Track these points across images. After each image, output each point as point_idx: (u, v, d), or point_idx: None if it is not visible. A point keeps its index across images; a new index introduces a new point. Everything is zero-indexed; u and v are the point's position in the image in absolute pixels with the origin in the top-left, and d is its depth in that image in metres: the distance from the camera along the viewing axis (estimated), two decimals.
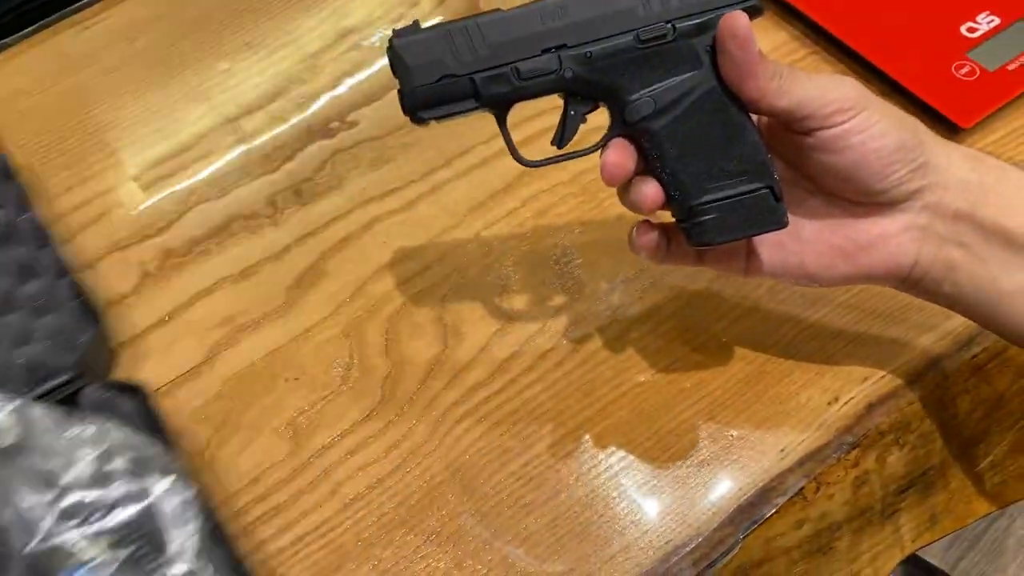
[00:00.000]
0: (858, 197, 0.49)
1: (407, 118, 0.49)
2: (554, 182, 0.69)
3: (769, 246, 0.52)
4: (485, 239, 0.66)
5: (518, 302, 0.63)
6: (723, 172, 0.48)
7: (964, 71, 0.71)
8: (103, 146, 0.72)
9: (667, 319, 0.61)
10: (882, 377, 0.59)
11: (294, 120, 0.74)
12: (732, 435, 0.56)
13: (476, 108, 0.49)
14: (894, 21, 0.74)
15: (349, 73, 0.76)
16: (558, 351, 0.61)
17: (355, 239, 0.67)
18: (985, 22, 0.73)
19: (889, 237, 0.50)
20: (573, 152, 0.51)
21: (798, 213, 0.51)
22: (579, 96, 0.49)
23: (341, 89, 0.75)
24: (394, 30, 0.48)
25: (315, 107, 0.74)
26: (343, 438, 0.58)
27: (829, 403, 0.58)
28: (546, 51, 0.48)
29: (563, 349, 0.61)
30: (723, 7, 0.47)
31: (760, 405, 0.58)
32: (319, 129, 0.73)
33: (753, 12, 0.48)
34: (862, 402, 0.58)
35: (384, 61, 0.77)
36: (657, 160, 0.49)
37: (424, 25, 0.48)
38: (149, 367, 0.61)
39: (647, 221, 0.52)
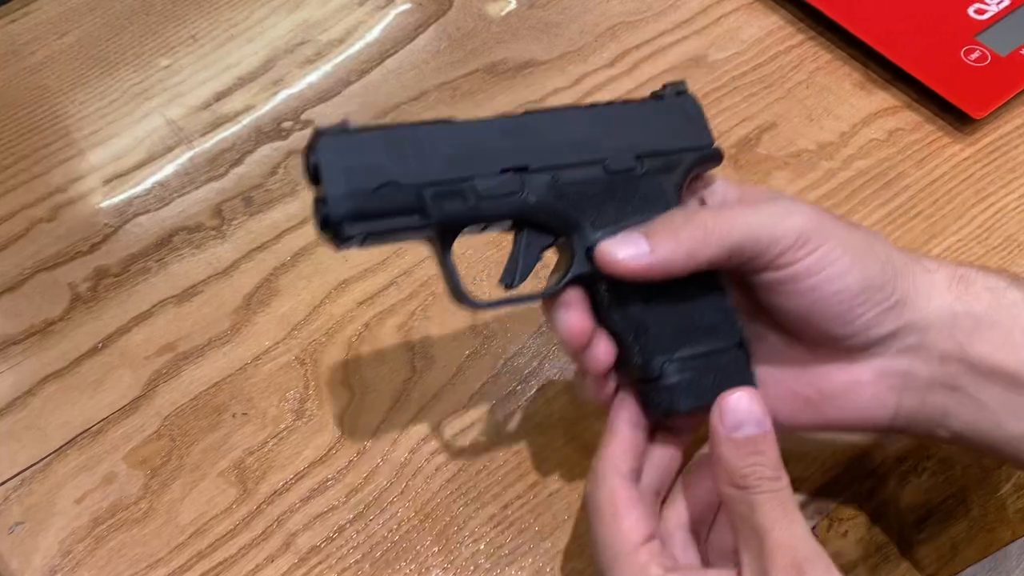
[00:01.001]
0: (819, 341, 0.42)
1: (327, 235, 0.39)
2: None
3: None
4: (457, 249, 0.59)
5: (494, 320, 0.56)
6: (690, 327, 0.42)
7: (974, 56, 0.65)
8: (28, 154, 0.65)
9: None
10: None
11: (244, 120, 0.67)
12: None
13: (420, 228, 0.40)
14: (896, 2, 0.68)
15: (304, 68, 0.69)
16: (540, 375, 0.54)
17: (310, 253, 0.60)
18: (995, 2, 0.68)
19: (860, 386, 0.42)
20: (528, 295, 0.43)
21: (757, 349, 0.44)
22: (537, 227, 0.42)
23: (295, 86, 0.68)
24: (317, 128, 0.39)
25: (267, 106, 0.67)
26: (298, 481, 0.51)
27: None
28: (507, 171, 0.41)
29: (546, 373, 0.54)
30: (689, 149, 0.44)
31: None
32: (271, 129, 0.66)
33: (715, 158, 0.45)
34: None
35: (343, 54, 0.71)
36: (617, 310, 0.42)
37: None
38: (80, 403, 0.54)
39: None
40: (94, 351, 0.56)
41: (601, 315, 0.42)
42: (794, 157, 0.63)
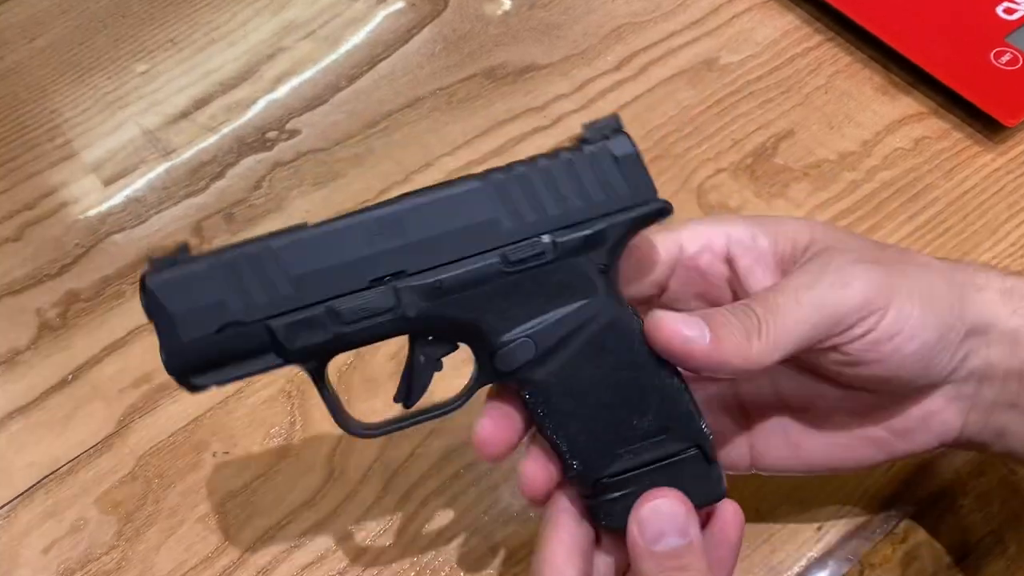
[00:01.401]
0: (898, 390, 0.39)
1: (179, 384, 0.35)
2: None
3: (778, 447, 0.41)
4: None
5: None
6: (636, 431, 0.36)
7: (1005, 59, 0.61)
8: None
9: None
10: None
11: (225, 130, 0.62)
12: (758, 510, 0.47)
13: (281, 365, 0.35)
14: (920, 1, 0.64)
15: (289, 74, 0.65)
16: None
17: None
18: None
19: (932, 416, 0.39)
20: (425, 411, 0.38)
21: (815, 402, 0.40)
22: (429, 337, 0.37)
23: (280, 92, 0.64)
24: (150, 259, 0.34)
25: (249, 114, 0.63)
26: (284, 527, 0.47)
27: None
28: (377, 282, 0.35)
29: None
30: (616, 212, 0.36)
31: None
32: (254, 140, 0.62)
33: (658, 216, 0.36)
34: (911, 464, 0.49)
35: (331, 58, 0.67)
36: (546, 420, 0.36)
37: (196, 252, 0.35)
38: (48, 441, 0.50)
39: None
40: (63, 384, 0.52)
41: (536, 423, 0.37)
42: (814, 168, 0.59)
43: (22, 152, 0.62)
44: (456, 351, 0.37)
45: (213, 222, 0.58)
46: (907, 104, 0.62)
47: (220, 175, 0.60)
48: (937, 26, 0.63)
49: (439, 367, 0.37)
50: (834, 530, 0.47)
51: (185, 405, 0.51)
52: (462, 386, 0.38)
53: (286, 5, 0.69)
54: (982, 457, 0.49)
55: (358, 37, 0.67)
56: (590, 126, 0.37)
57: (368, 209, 0.35)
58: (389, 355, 0.52)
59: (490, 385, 0.38)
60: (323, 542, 0.47)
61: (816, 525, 0.47)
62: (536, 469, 0.37)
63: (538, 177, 0.36)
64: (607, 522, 0.36)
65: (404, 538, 0.46)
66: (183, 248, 0.35)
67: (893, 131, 0.60)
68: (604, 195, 0.36)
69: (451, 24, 0.67)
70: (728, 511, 0.37)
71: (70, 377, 0.52)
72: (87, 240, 0.58)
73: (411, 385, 0.37)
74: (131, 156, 0.61)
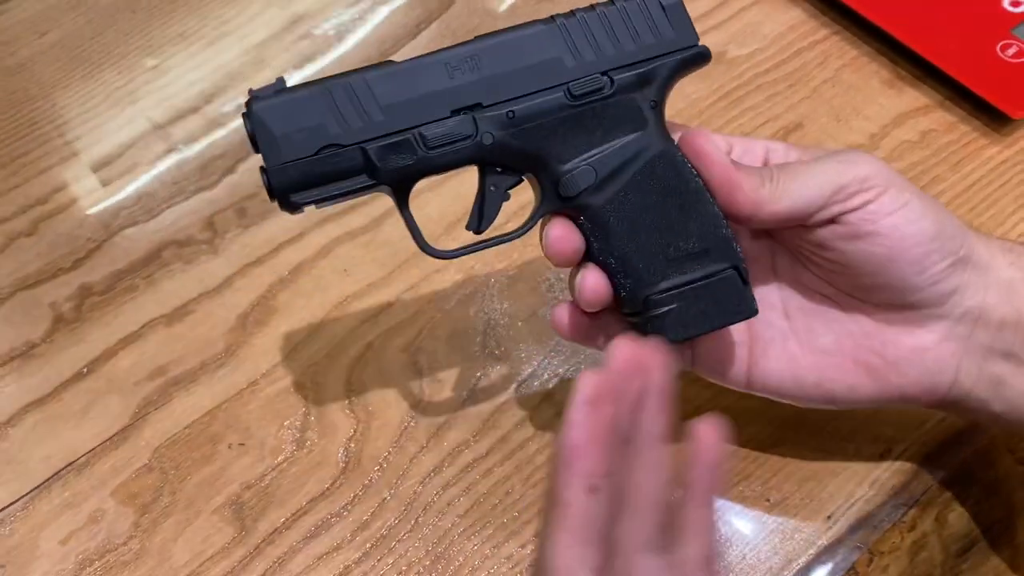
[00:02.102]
0: (888, 298, 0.41)
1: (278, 204, 0.39)
2: None
3: (777, 357, 0.43)
4: (465, 263, 0.56)
5: (506, 339, 0.53)
6: (681, 252, 0.40)
7: (1011, 52, 0.61)
8: (6, 163, 0.61)
9: None
10: (941, 421, 0.50)
11: (236, 124, 0.63)
12: (768, 500, 0.47)
13: (371, 187, 0.39)
14: None
15: (299, 67, 0.65)
16: (557, 399, 0.51)
17: (309, 267, 0.56)
18: None
19: (925, 350, 0.41)
20: (496, 237, 0.42)
21: (815, 322, 0.43)
22: (500, 167, 0.40)
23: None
24: (251, 90, 0.38)
25: None
26: (299, 518, 0.47)
27: (881, 455, 0.49)
28: (457, 112, 0.39)
29: (563, 396, 0.51)
30: (665, 55, 0.40)
31: (799, 460, 0.49)
32: None
33: (700, 60, 0.41)
34: (918, 453, 0.49)
35: (342, 50, 0.67)
36: (602, 242, 0.40)
37: (292, 81, 0.38)
38: (64, 433, 0.50)
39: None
40: (79, 376, 0.52)
41: (589, 248, 0.40)
42: None
43: (34, 147, 0.62)
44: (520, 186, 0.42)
45: (225, 216, 0.58)
46: (913, 97, 0.62)
47: (231, 169, 0.60)
48: (944, 19, 0.63)
49: (507, 197, 0.41)
50: (843, 519, 0.47)
51: (200, 398, 0.51)
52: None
53: (296, 1, 0.69)
54: (990, 446, 0.50)
55: (367, 31, 0.67)
56: None
57: (447, 49, 0.39)
58: (402, 346, 0.53)
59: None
60: (338, 532, 0.47)
61: (826, 514, 0.47)
62: (557, 228, 0.40)
63: (597, 22, 0.40)
64: (655, 333, 0.40)
65: (419, 528, 0.47)
66: (281, 80, 0.38)
67: (900, 124, 0.61)
68: (654, 39, 0.40)
69: (459, 18, 0.68)
70: (702, 428, 0.33)
71: (85, 370, 0.53)
72: (100, 234, 0.58)
73: (482, 212, 0.41)
74: (142, 151, 0.62)
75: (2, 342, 0.54)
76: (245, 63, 0.66)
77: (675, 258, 0.40)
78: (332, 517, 0.47)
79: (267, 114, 0.37)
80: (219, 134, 0.62)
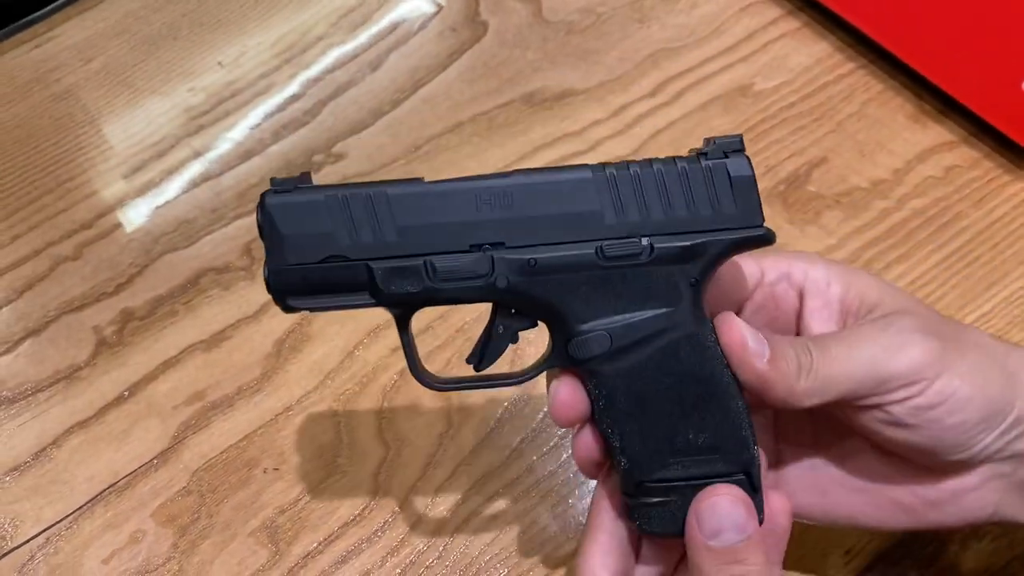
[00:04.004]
0: (931, 463, 0.39)
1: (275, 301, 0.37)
2: None
3: (806, 491, 0.42)
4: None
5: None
6: (690, 445, 0.37)
7: None
8: (52, 188, 0.63)
9: None
10: None
11: (273, 152, 0.65)
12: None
13: (372, 305, 0.37)
14: (951, 30, 0.65)
15: (333, 98, 0.67)
16: None
17: None
18: None
19: (966, 492, 0.39)
20: (495, 377, 0.39)
21: (848, 464, 0.41)
22: (512, 310, 0.38)
23: (324, 116, 0.66)
24: (273, 180, 0.36)
25: (296, 137, 0.65)
26: (331, 543, 0.49)
27: None
28: (476, 248, 0.36)
29: None
30: (719, 231, 0.36)
31: None
32: (302, 162, 0.64)
33: (759, 243, 0.37)
34: None
35: (375, 82, 0.69)
36: (605, 414, 0.37)
37: (316, 182, 0.37)
38: (107, 455, 0.52)
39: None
40: (120, 400, 0.54)
41: (592, 412, 0.38)
42: (846, 195, 0.60)
43: (79, 173, 0.64)
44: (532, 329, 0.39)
45: (262, 244, 0.60)
46: (938, 132, 0.63)
47: None
48: (968, 55, 0.64)
49: (515, 340, 0.38)
50: (862, 555, 0.48)
51: (236, 422, 0.53)
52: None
53: (331, 31, 0.71)
54: None
55: (401, 61, 0.69)
56: (712, 141, 0.37)
57: (481, 177, 0.37)
58: (441, 365, 0.54)
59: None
60: (368, 558, 0.49)
61: (844, 549, 0.48)
62: (571, 393, 0.38)
63: (650, 180, 0.36)
64: (642, 525, 0.37)
65: (447, 554, 0.48)
66: (305, 176, 0.37)
67: (924, 159, 0.62)
68: (711, 210, 0.36)
69: (490, 50, 0.69)
70: (776, 502, 0.38)
71: (126, 393, 0.55)
72: (141, 260, 0.60)
73: (485, 351, 0.38)
74: (183, 177, 0.64)
75: (48, 364, 0.56)
76: (281, 93, 0.68)
77: (681, 449, 0.37)
78: (363, 542, 0.49)
79: (279, 212, 0.36)
80: (256, 162, 0.64)
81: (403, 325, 0.38)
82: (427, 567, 0.48)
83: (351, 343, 0.56)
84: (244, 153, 0.65)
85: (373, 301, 0.37)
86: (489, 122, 0.65)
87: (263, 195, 0.36)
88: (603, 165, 0.37)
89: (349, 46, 0.70)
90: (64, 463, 0.52)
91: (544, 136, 0.64)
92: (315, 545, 0.49)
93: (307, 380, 0.55)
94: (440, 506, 0.50)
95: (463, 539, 0.49)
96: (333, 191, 0.36)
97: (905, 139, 0.63)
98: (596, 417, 0.38)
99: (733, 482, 0.37)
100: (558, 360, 0.37)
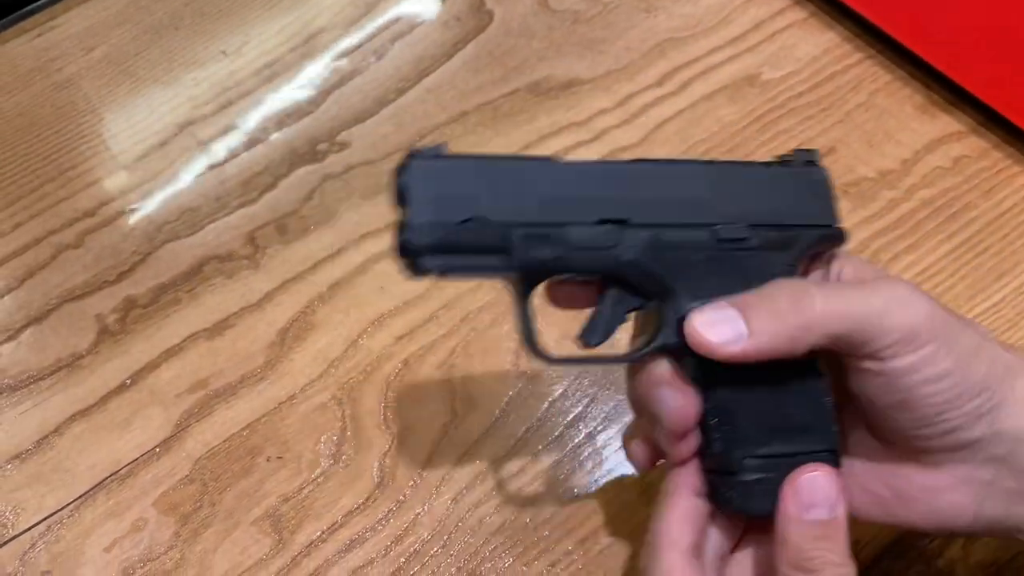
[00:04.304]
0: (899, 439, 0.39)
1: (405, 262, 0.37)
2: None
3: None
4: (495, 284, 0.57)
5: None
6: (784, 422, 0.38)
7: None
8: (54, 176, 0.63)
9: None
10: None
11: (277, 141, 0.64)
12: None
13: (500, 271, 0.38)
14: (963, 19, 0.64)
15: (337, 87, 0.67)
16: (588, 419, 0.52)
17: (347, 284, 0.57)
18: None
19: (938, 492, 0.38)
20: (606, 355, 0.40)
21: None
22: (627, 287, 0.39)
23: (329, 105, 0.66)
24: (413, 149, 0.37)
25: (300, 126, 0.65)
26: (335, 532, 0.49)
27: None
28: (604, 222, 0.38)
29: (595, 417, 0.52)
30: (809, 227, 0.40)
31: None
32: (305, 151, 0.64)
33: (835, 240, 0.41)
34: None
35: (379, 71, 0.68)
36: (704, 391, 0.38)
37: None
38: (108, 443, 0.52)
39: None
40: (122, 388, 0.54)
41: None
42: (853, 186, 0.60)
43: (81, 161, 0.64)
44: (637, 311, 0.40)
45: (266, 232, 0.60)
46: (946, 122, 0.62)
47: (272, 186, 0.62)
48: (978, 44, 0.63)
49: (624, 320, 0.40)
50: (871, 546, 0.48)
51: (239, 411, 0.53)
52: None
53: (335, 20, 0.70)
54: None
55: (406, 50, 0.68)
56: (796, 151, 0.42)
57: (609, 161, 0.41)
58: (436, 364, 0.54)
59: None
60: (372, 547, 0.48)
61: (854, 540, 0.48)
62: (680, 399, 0.38)
63: (751, 177, 0.40)
64: (729, 502, 0.38)
65: (451, 544, 0.48)
66: (440, 146, 0.38)
67: (932, 150, 0.61)
68: (800, 208, 0.40)
69: (495, 39, 0.69)
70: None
71: (129, 381, 0.54)
72: (144, 247, 0.59)
73: (597, 329, 0.39)
74: (185, 166, 0.63)
75: (49, 352, 0.55)
76: (286, 81, 0.67)
77: (778, 428, 0.38)
78: (367, 531, 0.49)
79: (424, 173, 0.37)
80: (260, 151, 0.64)
81: (525, 295, 0.39)
82: (431, 556, 0.48)
83: (355, 332, 0.55)
84: (248, 142, 0.64)
85: (503, 266, 0.37)
86: (494, 111, 0.65)
87: (407, 158, 0.37)
88: (711, 160, 0.41)
89: (353, 35, 0.69)
90: (66, 451, 0.52)
91: (549, 125, 0.64)
92: (318, 534, 0.49)
93: (311, 369, 0.54)
94: (444, 495, 0.49)
95: (467, 528, 0.48)
96: (477, 159, 0.38)
97: (913, 129, 0.62)
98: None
99: (823, 459, 0.37)
100: (666, 337, 0.38)
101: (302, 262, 0.58)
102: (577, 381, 0.53)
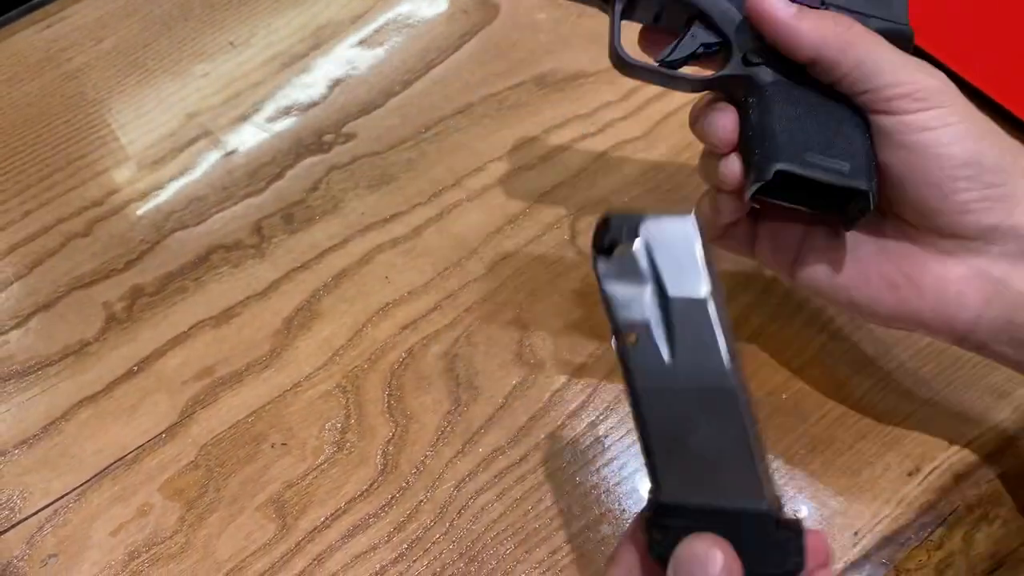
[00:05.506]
0: (915, 217, 0.40)
1: None
2: (581, 203, 0.60)
3: (821, 255, 0.44)
4: (502, 272, 0.57)
5: (543, 348, 0.54)
6: (826, 145, 0.41)
7: None
8: (63, 166, 0.63)
9: None
10: (972, 441, 0.50)
11: (283, 132, 0.65)
12: (795, 514, 0.48)
13: None
14: (965, 12, 0.64)
15: (344, 78, 0.67)
16: (590, 410, 0.52)
17: (352, 273, 0.58)
18: None
19: (948, 281, 0.40)
20: (679, 76, 0.45)
21: (862, 232, 0.43)
22: (710, 26, 0.44)
23: (335, 96, 0.66)
24: None
25: (307, 117, 0.65)
26: (338, 518, 0.49)
27: (909, 474, 0.50)
28: None
29: (596, 407, 0.52)
30: (879, 19, 0.43)
31: (828, 477, 0.49)
32: (312, 142, 0.64)
33: (899, 37, 0.43)
34: (947, 472, 0.50)
35: (386, 63, 0.68)
36: (759, 115, 0.42)
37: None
38: (115, 429, 0.52)
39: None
40: (129, 374, 0.54)
41: (742, 124, 0.43)
42: None
43: (90, 151, 0.64)
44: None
45: (272, 222, 0.60)
46: None
47: (279, 176, 0.62)
48: (983, 37, 0.63)
49: (697, 53, 0.45)
50: (870, 535, 0.48)
51: (245, 398, 0.53)
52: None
53: (342, 12, 0.71)
54: (1020, 469, 0.50)
55: (412, 43, 0.69)
56: None
57: None
58: (440, 353, 0.54)
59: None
60: (375, 533, 0.49)
61: (853, 530, 0.48)
62: (727, 117, 0.43)
63: None
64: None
65: (453, 531, 0.48)
66: None
67: None
68: (879, 4, 0.44)
69: (502, 31, 0.69)
70: (814, 539, 0.34)
71: (135, 368, 0.55)
72: (152, 236, 0.60)
73: (674, 49, 0.45)
74: (193, 156, 0.64)
75: (57, 339, 0.56)
76: (291, 72, 0.68)
77: (820, 146, 0.41)
78: (370, 518, 0.49)
79: None
80: (267, 141, 0.64)
81: (617, 9, 0.46)
82: (433, 542, 0.48)
83: (360, 321, 0.56)
84: (254, 132, 0.65)
85: None
86: (500, 104, 0.65)
87: None
88: None
89: (360, 27, 0.70)
90: (73, 437, 0.52)
91: (554, 118, 0.64)
92: (322, 520, 0.49)
93: (316, 357, 0.55)
94: (447, 483, 0.50)
95: (469, 515, 0.49)
96: None
97: None
98: (746, 126, 0.43)
99: (860, 192, 0.40)
100: (733, 68, 0.43)
101: (308, 252, 0.59)
102: (584, 368, 0.54)
